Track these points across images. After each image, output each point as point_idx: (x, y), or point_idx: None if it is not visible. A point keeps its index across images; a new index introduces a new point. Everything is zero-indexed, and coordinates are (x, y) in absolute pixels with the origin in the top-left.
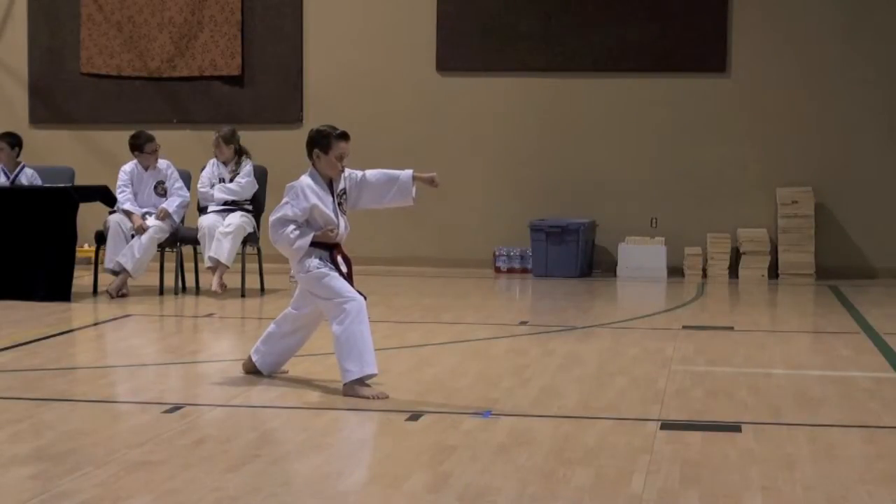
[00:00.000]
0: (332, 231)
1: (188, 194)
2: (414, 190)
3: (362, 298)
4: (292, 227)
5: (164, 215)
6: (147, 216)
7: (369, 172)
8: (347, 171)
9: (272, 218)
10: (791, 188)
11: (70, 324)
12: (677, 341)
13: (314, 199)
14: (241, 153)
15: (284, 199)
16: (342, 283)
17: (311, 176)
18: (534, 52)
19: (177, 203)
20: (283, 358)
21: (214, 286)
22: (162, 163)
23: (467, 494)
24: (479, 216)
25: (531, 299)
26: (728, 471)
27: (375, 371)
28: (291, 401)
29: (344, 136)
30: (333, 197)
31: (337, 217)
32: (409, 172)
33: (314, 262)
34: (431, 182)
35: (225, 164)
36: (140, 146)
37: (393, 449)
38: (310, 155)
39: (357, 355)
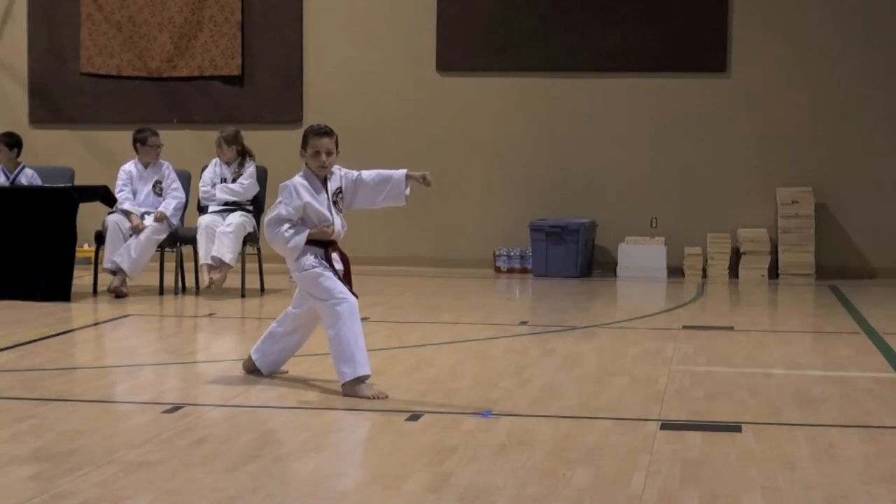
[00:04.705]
0: (328, 227)
1: (184, 196)
2: (407, 190)
3: (354, 298)
4: (287, 225)
5: (160, 217)
6: (145, 216)
7: (365, 173)
8: (344, 170)
9: (267, 218)
10: (791, 188)
11: (70, 324)
12: (677, 341)
13: (307, 197)
14: (244, 154)
15: (278, 199)
16: (335, 284)
17: (304, 175)
18: (534, 52)
19: (173, 205)
20: (282, 357)
21: (206, 280)
22: (162, 163)
23: (467, 494)
24: (479, 216)
25: (531, 299)
26: (728, 471)
27: (368, 372)
28: (291, 401)
29: (320, 133)
30: (328, 195)
31: (332, 215)
32: (401, 172)
33: (309, 260)
34: (424, 180)
35: (227, 164)
36: (144, 139)
37: (393, 449)
38: (300, 154)
39: (349, 357)
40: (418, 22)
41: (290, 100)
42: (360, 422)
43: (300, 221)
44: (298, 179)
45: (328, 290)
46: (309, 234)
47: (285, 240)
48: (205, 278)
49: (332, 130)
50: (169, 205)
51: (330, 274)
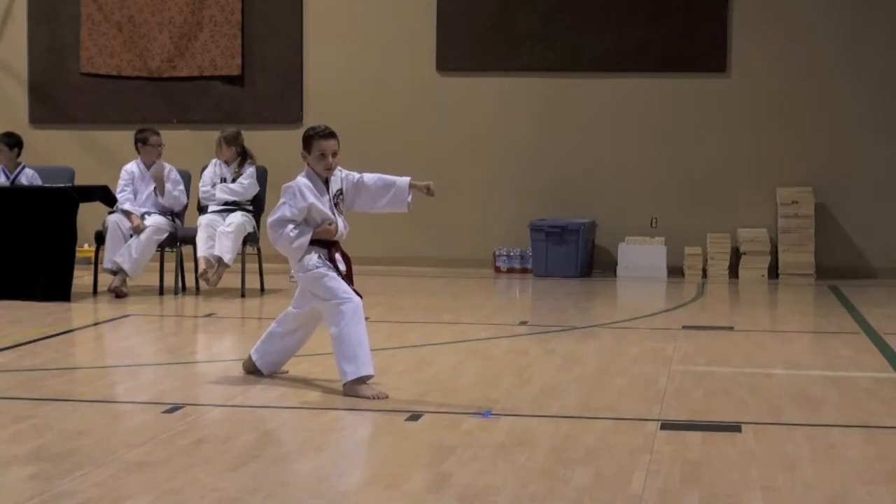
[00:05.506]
0: (331, 225)
1: (186, 200)
2: (410, 197)
3: (358, 298)
4: (291, 226)
5: (158, 176)
6: (146, 216)
7: (367, 176)
8: (345, 171)
9: (270, 220)
10: (791, 188)
11: (70, 324)
12: (677, 341)
13: (311, 198)
14: (244, 155)
15: (281, 200)
16: (339, 283)
17: (307, 175)
18: (534, 52)
19: (178, 188)
20: (283, 357)
21: (206, 272)
22: (164, 164)
23: (467, 494)
24: (479, 216)
25: (531, 299)
26: (728, 471)
27: (371, 372)
28: (291, 401)
29: (326, 135)
30: (329, 196)
31: (334, 216)
32: (406, 180)
33: (313, 260)
34: (428, 190)
35: (227, 164)
36: (145, 139)
37: (393, 449)
38: (303, 156)
39: (352, 356)
40: (418, 22)
41: (290, 100)
42: (360, 422)
43: (303, 221)
44: (302, 180)
45: (332, 290)
46: (313, 234)
47: (290, 240)
48: (201, 265)
49: (334, 131)
50: (174, 189)
51: (333, 274)
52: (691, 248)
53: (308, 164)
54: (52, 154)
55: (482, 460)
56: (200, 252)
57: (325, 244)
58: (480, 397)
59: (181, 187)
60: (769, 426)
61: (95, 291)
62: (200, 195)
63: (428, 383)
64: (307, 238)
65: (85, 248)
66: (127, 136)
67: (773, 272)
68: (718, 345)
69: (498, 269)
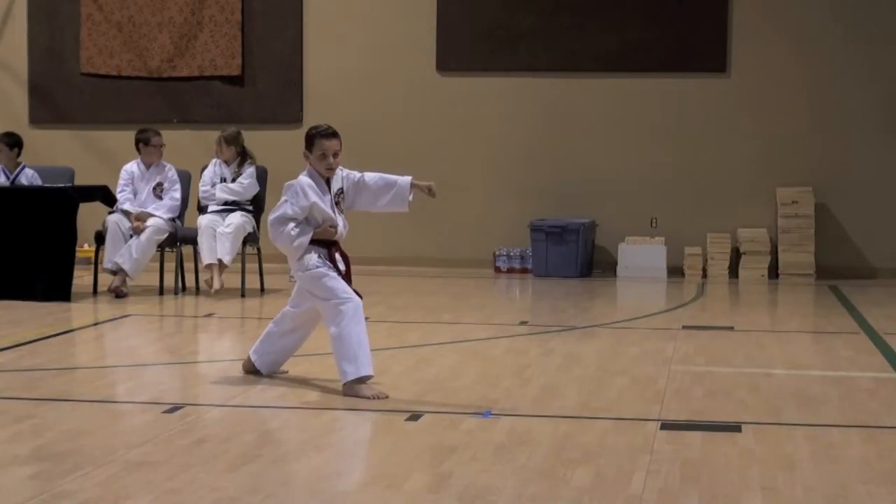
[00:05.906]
0: (331, 227)
1: (179, 199)
2: (410, 197)
3: (359, 299)
4: (292, 225)
5: (142, 217)
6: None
7: (368, 175)
8: (345, 171)
9: (271, 217)
10: (791, 188)
11: (70, 324)
12: (677, 341)
13: (314, 197)
14: (244, 155)
15: (283, 198)
16: (339, 283)
17: (309, 174)
18: (534, 52)
19: (164, 208)
20: (282, 357)
21: (216, 285)
22: (165, 164)
23: (467, 494)
24: (479, 216)
25: (531, 299)
26: (728, 471)
27: (371, 372)
28: (291, 401)
29: (327, 135)
30: (331, 195)
31: (335, 216)
32: (407, 179)
33: (313, 260)
34: (429, 191)
35: (227, 164)
36: (147, 139)
37: (393, 449)
38: (305, 155)
39: (352, 356)
40: (418, 22)
41: (290, 100)
42: (360, 422)
43: (304, 220)
44: (305, 179)
45: (332, 290)
46: (313, 234)
47: (290, 239)
48: (214, 282)
49: (336, 131)
50: (161, 206)
51: (334, 274)
52: (691, 248)
53: (310, 164)
54: (51, 154)
55: (482, 460)
56: (207, 259)
57: (325, 244)
58: (480, 397)
59: (177, 186)
60: (769, 426)
61: (95, 291)
62: (200, 195)
63: (428, 383)
64: (308, 237)
65: (85, 248)
66: (127, 136)
67: (773, 272)
68: (718, 345)
69: (498, 269)
